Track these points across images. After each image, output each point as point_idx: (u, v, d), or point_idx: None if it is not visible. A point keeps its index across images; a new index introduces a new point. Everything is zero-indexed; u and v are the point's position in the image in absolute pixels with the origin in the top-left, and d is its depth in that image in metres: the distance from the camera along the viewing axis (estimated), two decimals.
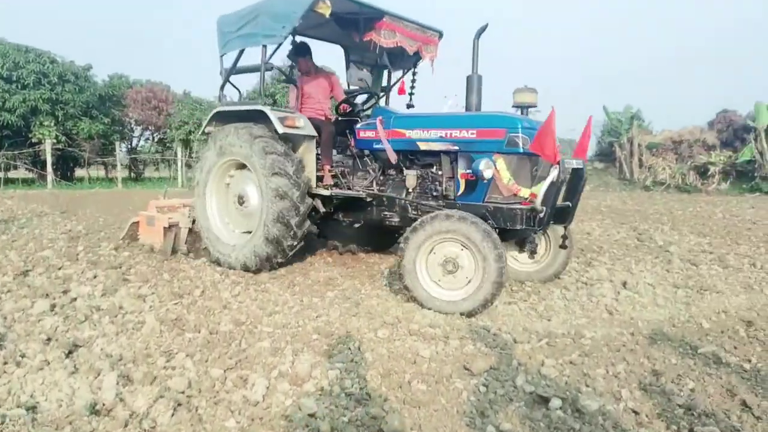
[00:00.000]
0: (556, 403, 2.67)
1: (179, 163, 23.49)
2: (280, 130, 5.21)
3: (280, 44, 5.53)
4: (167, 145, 26.47)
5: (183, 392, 2.72)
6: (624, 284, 5.37)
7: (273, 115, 5.25)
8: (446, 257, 4.29)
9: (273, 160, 5.14)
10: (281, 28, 5.24)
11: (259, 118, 5.42)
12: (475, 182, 4.76)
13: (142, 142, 28.48)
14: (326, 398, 2.69)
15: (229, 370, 3.00)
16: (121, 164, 23.40)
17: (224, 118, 5.88)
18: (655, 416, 2.64)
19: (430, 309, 4.23)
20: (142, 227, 6.41)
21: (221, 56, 5.99)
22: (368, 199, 5.51)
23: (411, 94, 6.61)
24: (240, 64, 6.03)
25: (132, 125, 27.48)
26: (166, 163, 26.55)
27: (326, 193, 5.45)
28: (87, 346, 3.28)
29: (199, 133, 6.06)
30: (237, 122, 5.60)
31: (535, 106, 5.12)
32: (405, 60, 6.34)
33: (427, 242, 4.31)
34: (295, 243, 5.34)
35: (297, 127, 5.36)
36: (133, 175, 26.04)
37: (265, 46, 5.44)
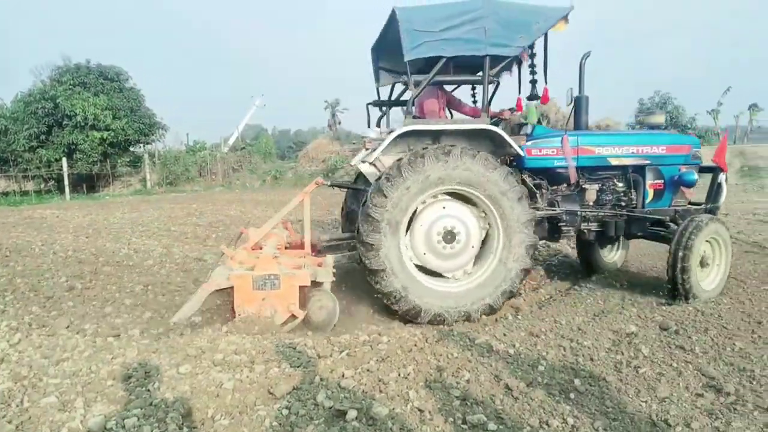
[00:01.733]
0: (352, 414, 2.90)
1: None
2: (522, 153, 5.07)
3: (510, 58, 5.10)
4: None
5: None
6: None
7: (508, 137, 4.93)
8: (703, 254, 5.14)
9: (520, 188, 4.85)
10: (518, 39, 4.83)
11: (452, 137, 4.96)
12: (662, 190, 5.69)
13: None
14: None
15: None
16: None
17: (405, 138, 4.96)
18: (436, 411, 3.01)
19: (688, 302, 4.90)
20: (244, 294, 4.41)
21: (409, 61, 4.78)
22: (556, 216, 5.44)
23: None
24: None
25: None
26: None
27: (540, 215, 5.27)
28: None
29: (374, 157, 4.84)
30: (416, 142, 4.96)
31: (664, 126, 6.08)
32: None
33: (703, 243, 5.10)
34: None
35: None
36: None
37: (486, 56, 4.83)
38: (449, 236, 4.85)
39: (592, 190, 5.56)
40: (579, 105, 5.62)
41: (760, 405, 3.01)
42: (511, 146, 4.95)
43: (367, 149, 4.94)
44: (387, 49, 5.88)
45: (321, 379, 3.40)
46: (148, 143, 26.67)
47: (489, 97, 5.11)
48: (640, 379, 3.38)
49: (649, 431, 2.80)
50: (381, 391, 3.24)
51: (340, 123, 48.78)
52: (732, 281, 5.81)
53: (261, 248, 5.03)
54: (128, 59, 47.60)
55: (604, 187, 5.64)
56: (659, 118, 6.48)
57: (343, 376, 3.46)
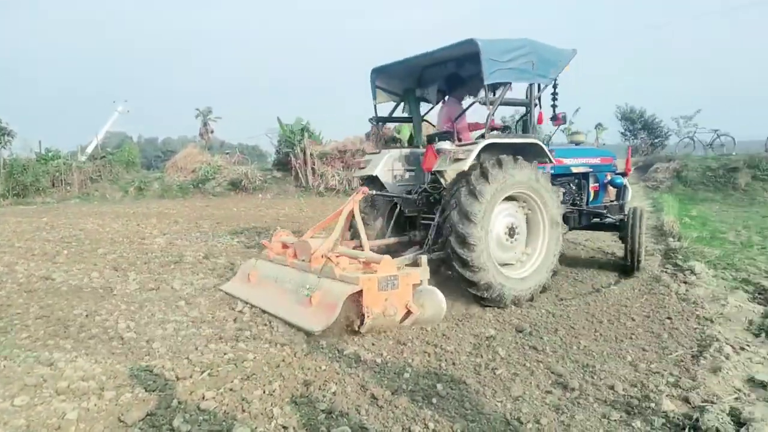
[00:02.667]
0: None
1: None
2: (555, 163, 6.17)
3: (546, 86, 6.09)
4: None
5: None
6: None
7: (547, 149, 5.84)
8: None
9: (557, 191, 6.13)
10: (551, 72, 5.95)
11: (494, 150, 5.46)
12: (598, 191, 7.33)
13: None
14: None
15: None
16: None
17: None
18: (301, 427, 2.95)
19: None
20: (371, 296, 4.51)
21: (488, 84, 5.51)
22: None
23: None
24: None
25: None
26: None
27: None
28: None
29: (468, 165, 5.21)
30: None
31: (583, 142, 8.25)
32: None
33: None
34: None
35: None
36: None
37: (531, 84, 5.97)
38: (512, 231, 5.68)
39: (559, 192, 6.57)
40: (526, 126, 6.67)
41: (599, 397, 3.30)
42: (548, 156, 5.86)
43: (459, 159, 5.32)
44: (391, 73, 6.82)
45: (179, 403, 3.21)
46: None
47: (533, 117, 6.14)
48: (496, 380, 3.56)
49: (503, 430, 2.95)
50: (244, 411, 3.12)
51: (212, 132, 47.11)
52: (579, 284, 6.36)
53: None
54: None
55: (565, 189, 6.91)
56: (581, 137, 8.55)
57: (203, 397, 3.29)
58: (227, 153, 30.97)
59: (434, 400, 3.25)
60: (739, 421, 2.94)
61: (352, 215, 5.60)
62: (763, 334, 4.45)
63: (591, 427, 2.95)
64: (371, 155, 6.85)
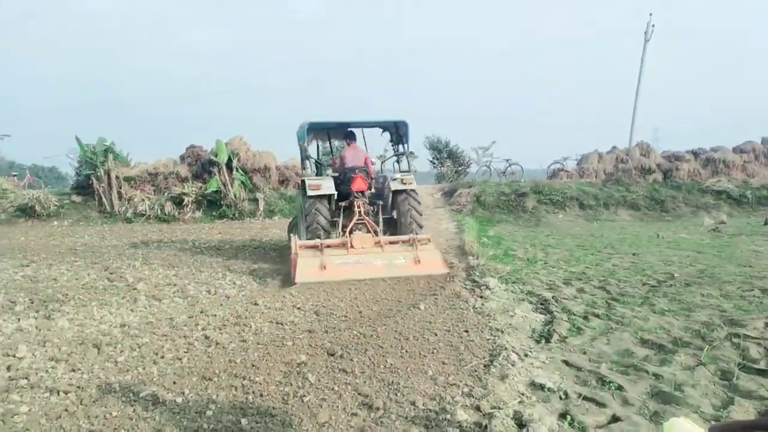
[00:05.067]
0: None
1: None
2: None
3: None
4: None
5: None
6: (82, 338, 5.20)
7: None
8: None
9: None
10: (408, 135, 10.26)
11: None
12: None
13: None
14: None
15: None
16: None
17: None
18: None
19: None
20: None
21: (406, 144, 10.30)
22: None
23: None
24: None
25: None
26: None
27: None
28: None
29: (415, 186, 9.64)
30: None
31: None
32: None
33: None
34: None
35: None
36: None
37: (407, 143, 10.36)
38: None
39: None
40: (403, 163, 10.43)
41: (401, 414, 3.41)
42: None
43: (410, 182, 9.57)
44: (317, 128, 10.39)
45: None
46: None
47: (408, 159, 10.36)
48: (304, 408, 3.51)
49: None
50: None
51: None
52: (393, 303, 6.61)
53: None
54: None
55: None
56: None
57: None
58: (14, 175, 27.25)
59: None
60: (521, 423, 3.24)
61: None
62: (543, 341, 5.01)
63: None
64: (319, 180, 9.27)
